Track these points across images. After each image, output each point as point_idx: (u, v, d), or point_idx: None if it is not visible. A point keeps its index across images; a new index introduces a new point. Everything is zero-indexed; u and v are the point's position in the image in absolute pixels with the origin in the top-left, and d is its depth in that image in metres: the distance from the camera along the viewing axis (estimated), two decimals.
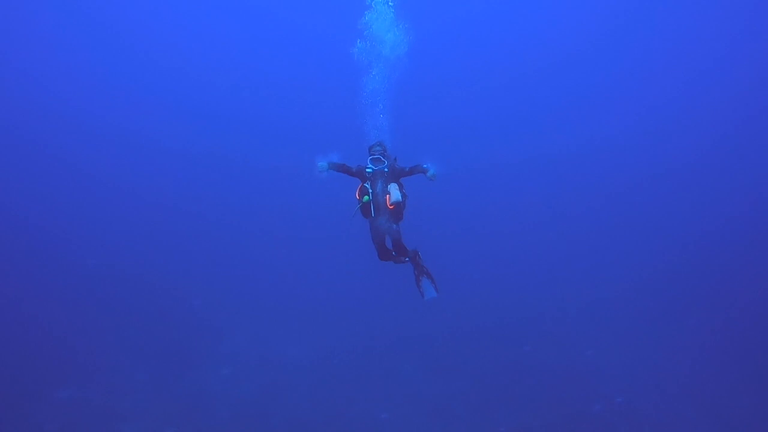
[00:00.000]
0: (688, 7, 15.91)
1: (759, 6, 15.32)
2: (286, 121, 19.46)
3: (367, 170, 5.65)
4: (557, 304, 12.86)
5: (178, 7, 17.88)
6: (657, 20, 16.47)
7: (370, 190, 5.59)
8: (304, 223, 15.65)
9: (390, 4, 7.95)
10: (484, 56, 18.10)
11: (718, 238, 14.51)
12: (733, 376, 9.97)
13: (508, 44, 18.00)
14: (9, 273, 12.71)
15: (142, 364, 10.32)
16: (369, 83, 7.34)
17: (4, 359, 9.76)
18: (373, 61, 7.54)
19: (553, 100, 18.07)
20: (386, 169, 5.64)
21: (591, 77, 18.02)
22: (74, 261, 13.83)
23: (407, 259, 5.77)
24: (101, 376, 9.83)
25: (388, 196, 5.51)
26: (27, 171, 16.07)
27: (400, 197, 5.44)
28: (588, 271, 14.05)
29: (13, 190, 15.50)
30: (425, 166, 5.53)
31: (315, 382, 10.12)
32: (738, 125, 16.37)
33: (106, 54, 17.71)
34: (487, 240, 15.39)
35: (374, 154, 5.70)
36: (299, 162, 6.25)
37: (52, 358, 10.05)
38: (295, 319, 12.21)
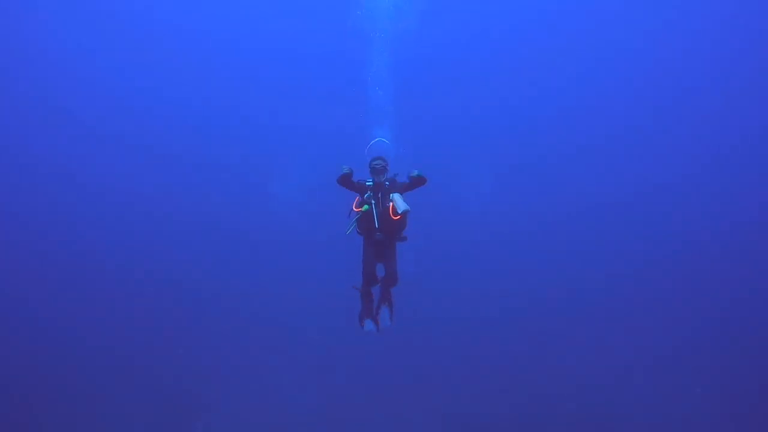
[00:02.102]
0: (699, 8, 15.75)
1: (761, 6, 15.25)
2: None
3: (368, 183, 5.51)
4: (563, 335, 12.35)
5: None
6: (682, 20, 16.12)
7: (372, 201, 5.43)
8: (303, 258, 14.39)
9: None
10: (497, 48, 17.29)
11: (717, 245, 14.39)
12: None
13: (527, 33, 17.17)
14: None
15: (141, 418, 10.10)
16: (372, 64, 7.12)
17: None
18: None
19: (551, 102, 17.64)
20: (387, 183, 5.49)
21: (592, 76, 17.70)
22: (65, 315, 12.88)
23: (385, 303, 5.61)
24: None
25: (392, 204, 5.35)
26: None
27: (406, 206, 5.25)
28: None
29: None
30: (415, 173, 5.47)
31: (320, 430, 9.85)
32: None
33: (112, 55, 17.20)
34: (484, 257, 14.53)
35: (375, 167, 5.53)
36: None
37: (44, 422, 9.79)
38: (297, 363, 11.67)
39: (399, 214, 5.32)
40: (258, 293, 13.44)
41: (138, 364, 11.45)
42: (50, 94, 16.10)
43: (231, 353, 12.23)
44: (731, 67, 16.21)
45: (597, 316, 12.85)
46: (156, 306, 13.25)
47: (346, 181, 5.50)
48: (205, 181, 16.18)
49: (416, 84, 12.74)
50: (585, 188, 15.88)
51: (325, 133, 15.78)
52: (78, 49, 16.47)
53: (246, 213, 15.30)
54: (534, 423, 9.67)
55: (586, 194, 15.79)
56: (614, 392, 10.63)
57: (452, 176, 14.05)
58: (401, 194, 5.44)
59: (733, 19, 15.94)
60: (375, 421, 10.10)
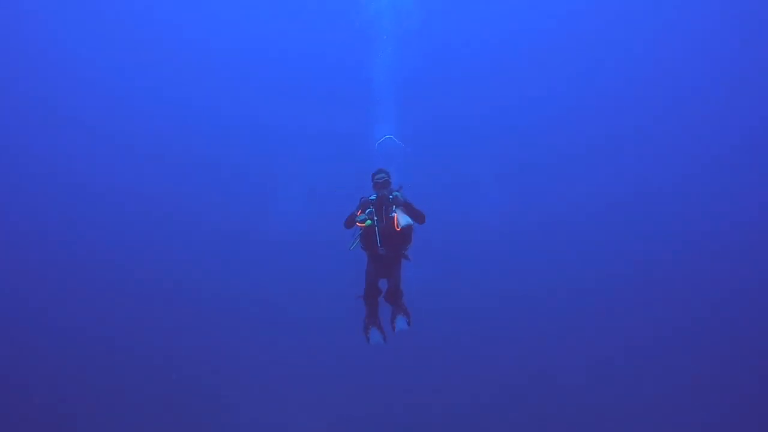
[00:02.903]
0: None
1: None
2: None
3: (371, 198, 5.52)
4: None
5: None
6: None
7: (376, 217, 5.44)
8: (313, 278, 13.89)
9: None
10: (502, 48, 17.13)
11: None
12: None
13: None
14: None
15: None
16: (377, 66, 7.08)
17: None
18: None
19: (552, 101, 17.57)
20: (390, 197, 5.49)
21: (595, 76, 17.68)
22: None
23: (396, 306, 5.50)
24: None
25: (395, 217, 5.35)
26: None
27: (409, 220, 5.27)
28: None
29: None
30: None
31: None
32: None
33: (113, 55, 17.05)
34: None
35: (377, 181, 5.56)
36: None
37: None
38: (306, 385, 11.34)
39: (402, 227, 5.32)
40: (261, 295, 13.35)
41: (140, 366, 11.43)
42: (50, 94, 16.04)
43: (231, 357, 12.12)
44: (731, 67, 16.24)
45: (605, 317, 12.86)
46: (157, 307, 13.17)
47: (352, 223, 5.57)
48: (212, 182, 16.11)
49: (420, 84, 12.69)
50: (590, 188, 15.92)
51: (329, 135, 15.68)
52: (78, 49, 16.41)
53: (250, 214, 15.20)
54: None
55: (591, 194, 15.83)
56: (616, 393, 10.66)
57: (455, 176, 14.09)
58: (403, 208, 5.45)
59: (733, 19, 15.98)
60: (378, 424, 10.06)
